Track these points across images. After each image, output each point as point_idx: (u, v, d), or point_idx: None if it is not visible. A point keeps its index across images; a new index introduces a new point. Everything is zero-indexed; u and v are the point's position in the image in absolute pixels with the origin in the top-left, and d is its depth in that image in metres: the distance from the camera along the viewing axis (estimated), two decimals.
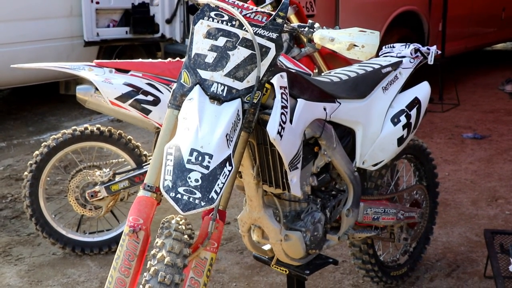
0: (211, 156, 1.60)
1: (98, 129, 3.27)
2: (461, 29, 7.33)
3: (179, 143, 1.61)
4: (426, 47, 2.73)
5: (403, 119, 2.48)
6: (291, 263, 2.26)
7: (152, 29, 6.60)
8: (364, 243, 2.65)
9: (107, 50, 6.57)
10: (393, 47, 2.76)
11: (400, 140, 2.48)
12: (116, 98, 3.10)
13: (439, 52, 2.79)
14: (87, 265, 3.24)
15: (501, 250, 3.02)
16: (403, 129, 2.48)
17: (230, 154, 1.65)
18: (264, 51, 1.86)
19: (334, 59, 3.79)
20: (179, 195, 1.53)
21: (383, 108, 2.46)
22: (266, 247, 2.34)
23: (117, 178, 3.26)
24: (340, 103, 2.27)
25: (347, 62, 3.89)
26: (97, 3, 6.15)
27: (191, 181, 1.55)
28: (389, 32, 6.07)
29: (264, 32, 1.87)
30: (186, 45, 6.78)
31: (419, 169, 2.98)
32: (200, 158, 1.58)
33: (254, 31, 1.85)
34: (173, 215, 1.77)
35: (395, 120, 2.47)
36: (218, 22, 1.86)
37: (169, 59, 3.33)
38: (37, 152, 3.21)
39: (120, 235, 3.41)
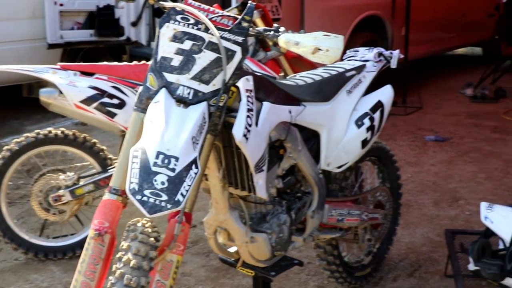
0: (177, 159, 1.60)
1: (62, 132, 3.23)
2: (423, 34, 7.47)
3: (145, 146, 1.62)
4: (389, 51, 2.78)
5: (367, 121, 2.52)
6: (257, 265, 2.28)
7: (117, 32, 6.54)
8: (329, 245, 2.69)
9: (70, 53, 6.49)
10: (357, 51, 2.81)
11: (364, 143, 2.53)
12: (81, 101, 3.07)
13: (402, 56, 2.84)
14: (51, 270, 3.20)
15: (461, 250, 3.09)
16: (367, 131, 2.52)
17: (196, 156, 1.66)
18: (230, 54, 1.87)
19: (299, 62, 3.83)
20: (145, 198, 1.53)
21: (347, 111, 2.50)
22: (232, 249, 2.35)
23: (82, 182, 3.23)
24: (305, 106, 2.30)
25: (313, 65, 3.92)
26: (61, 5, 6.07)
27: (157, 184, 1.55)
28: (353, 36, 6.15)
29: (230, 36, 1.88)
30: (152, 48, 6.79)
31: (383, 171, 3.03)
32: (166, 161, 1.59)
33: (220, 35, 1.86)
34: (139, 218, 1.77)
35: (359, 123, 2.51)
36: (184, 25, 1.87)
37: (134, 62, 3.32)
38: None
39: (84, 239, 3.32)
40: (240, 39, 1.89)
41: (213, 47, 1.86)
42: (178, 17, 1.88)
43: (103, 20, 6.42)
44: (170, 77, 1.83)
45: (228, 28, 1.89)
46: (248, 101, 1.92)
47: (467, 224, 3.63)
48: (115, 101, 3.13)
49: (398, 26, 6.82)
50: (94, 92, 3.09)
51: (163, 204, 1.53)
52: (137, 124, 1.82)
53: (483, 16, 9.09)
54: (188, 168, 1.61)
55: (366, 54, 2.75)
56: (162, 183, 1.56)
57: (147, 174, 1.56)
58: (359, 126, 2.50)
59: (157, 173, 1.57)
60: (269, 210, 2.23)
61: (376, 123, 2.57)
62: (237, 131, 1.83)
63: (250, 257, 2.21)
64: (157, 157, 1.59)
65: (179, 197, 1.55)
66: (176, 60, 1.84)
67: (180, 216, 1.78)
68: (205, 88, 1.83)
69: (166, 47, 1.86)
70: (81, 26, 6.39)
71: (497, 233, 2.41)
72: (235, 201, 2.18)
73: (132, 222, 1.75)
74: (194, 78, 1.83)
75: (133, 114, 1.84)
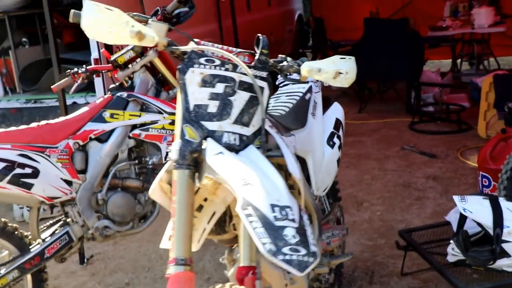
0: (291, 208, 1.46)
1: None
2: None
3: (252, 202, 1.44)
4: None
5: (336, 140, 2.55)
6: None
7: None
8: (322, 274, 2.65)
9: None
10: (291, 74, 2.81)
11: (338, 161, 2.55)
12: None
13: None
14: None
15: (397, 247, 3.26)
16: (339, 150, 2.55)
17: (296, 202, 1.53)
18: (261, 91, 1.77)
19: None
20: (287, 257, 1.36)
21: (320, 133, 2.50)
22: None
23: (3, 270, 2.77)
24: (294, 135, 2.25)
25: None
26: None
27: (289, 239, 1.39)
28: None
29: (255, 72, 1.78)
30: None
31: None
32: (283, 212, 1.44)
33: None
34: (222, 284, 1.57)
35: (330, 143, 2.52)
36: (210, 68, 1.72)
37: (35, 123, 2.94)
38: None
39: None
40: (264, 74, 1.80)
41: (244, 86, 1.74)
42: (202, 60, 1.72)
43: None
44: (211, 125, 1.67)
45: (252, 65, 1.79)
46: (280, 137, 1.83)
47: (386, 222, 3.84)
48: (28, 170, 2.75)
49: None
50: (3, 164, 2.68)
51: (305, 258, 1.38)
52: (185, 183, 1.63)
53: (285, 33, 9.74)
54: (300, 215, 1.48)
55: None
56: (293, 236, 1.40)
57: (274, 230, 1.39)
58: (331, 146, 2.51)
59: (284, 227, 1.41)
60: None
61: (342, 140, 2.60)
62: (294, 170, 1.73)
63: None
64: (273, 211, 1.43)
65: (313, 248, 1.41)
66: (213, 106, 1.68)
67: (258, 272, 1.63)
68: (247, 131, 1.71)
69: (197, 94, 1.69)
70: None
71: (479, 221, 2.57)
72: None
73: None
74: (236, 122, 1.70)
75: (177, 172, 1.64)
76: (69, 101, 5.30)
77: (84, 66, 3.43)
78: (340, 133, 2.61)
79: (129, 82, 3.21)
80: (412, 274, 3.15)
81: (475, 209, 2.56)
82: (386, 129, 6.16)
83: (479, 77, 7.00)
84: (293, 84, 2.73)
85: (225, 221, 1.95)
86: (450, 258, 2.67)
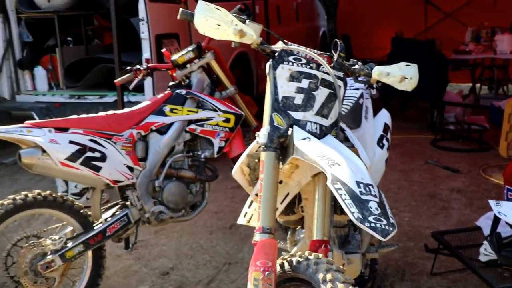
0: (372, 186, 1.71)
1: (39, 194, 2.99)
2: None
3: (341, 178, 1.69)
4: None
5: (385, 142, 2.80)
6: None
7: None
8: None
9: None
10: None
11: (386, 161, 2.79)
12: (66, 159, 2.91)
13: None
14: None
15: (426, 250, 3.49)
16: (387, 151, 2.79)
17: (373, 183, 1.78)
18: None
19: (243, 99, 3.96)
20: (373, 224, 1.62)
21: (372, 134, 2.75)
22: None
23: (70, 244, 3.02)
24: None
25: (252, 103, 4.09)
26: None
27: (373, 210, 1.64)
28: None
29: (334, 72, 2.03)
30: (17, 102, 6.33)
31: None
32: (367, 189, 1.69)
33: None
34: (300, 253, 1.81)
35: (380, 144, 2.77)
36: (298, 65, 1.97)
37: (104, 112, 3.21)
38: None
39: None
40: (341, 74, 2.06)
41: (325, 83, 2.00)
42: (291, 58, 1.98)
43: None
44: (296, 115, 1.92)
45: (331, 65, 2.04)
46: (350, 131, 2.08)
47: (413, 228, 4.07)
48: (97, 154, 3.02)
49: (259, 61, 7.27)
50: (76, 147, 2.96)
51: (387, 227, 1.63)
52: (272, 163, 1.88)
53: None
54: (380, 193, 1.73)
55: (354, 83, 3.03)
56: (376, 209, 1.65)
57: (361, 202, 1.65)
58: (381, 147, 2.76)
59: (368, 200, 1.66)
60: (346, 232, 2.38)
61: (389, 143, 2.85)
62: (366, 158, 1.98)
63: None
64: (359, 187, 1.68)
65: (391, 220, 1.66)
66: (298, 98, 1.94)
67: (331, 245, 1.88)
68: (326, 122, 1.96)
69: (286, 87, 1.95)
70: None
71: None
72: None
73: (299, 256, 1.78)
74: (317, 113, 1.95)
75: (265, 154, 1.89)
76: (111, 99, 5.61)
77: (145, 63, 3.72)
78: (388, 136, 2.85)
79: (187, 81, 3.49)
80: (441, 275, 3.37)
81: (509, 213, 2.79)
82: (409, 144, 6.41)
83: (498, 101, 7.26)
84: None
85: (295, 203, 2.20)
86: (482, 258, 2.90)
